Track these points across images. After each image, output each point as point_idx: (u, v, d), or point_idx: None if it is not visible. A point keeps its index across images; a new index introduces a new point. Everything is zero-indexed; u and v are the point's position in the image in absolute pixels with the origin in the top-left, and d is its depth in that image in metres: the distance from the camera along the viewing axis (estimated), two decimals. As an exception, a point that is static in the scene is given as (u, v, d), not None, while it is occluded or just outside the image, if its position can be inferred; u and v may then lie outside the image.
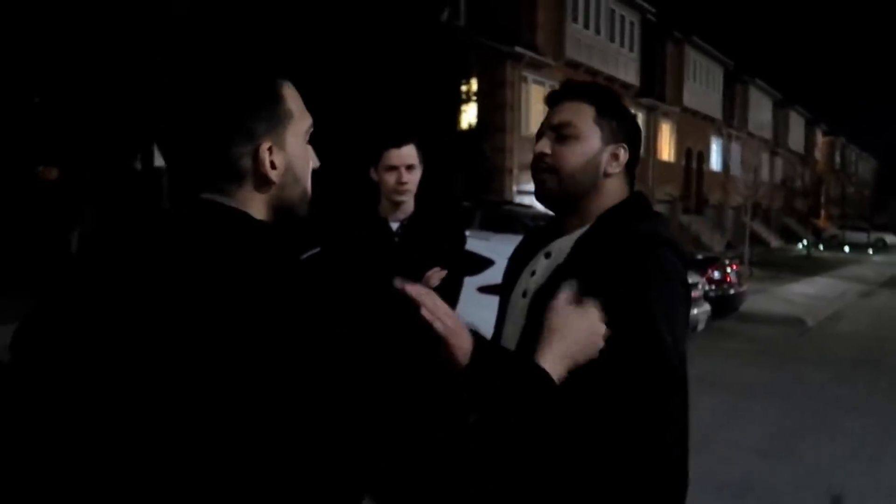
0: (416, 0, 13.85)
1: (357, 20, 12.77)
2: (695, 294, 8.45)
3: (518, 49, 16.99)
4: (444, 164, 13.76)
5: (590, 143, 1.44)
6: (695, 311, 8.27)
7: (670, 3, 24.02)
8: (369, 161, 2.38)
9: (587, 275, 1.32)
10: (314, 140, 0.96)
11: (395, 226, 2.41)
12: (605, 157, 1.45)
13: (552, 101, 1.51)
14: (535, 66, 18.01)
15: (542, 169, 1.47)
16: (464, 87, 15.05)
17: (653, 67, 24.07)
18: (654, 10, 22.91)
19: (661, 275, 1.31)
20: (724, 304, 10.11)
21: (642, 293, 1.26)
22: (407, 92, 12.88)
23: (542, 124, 1.50)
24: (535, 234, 1.62)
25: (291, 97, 0.91)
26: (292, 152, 0.90)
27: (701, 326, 8.39)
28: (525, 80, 18.01)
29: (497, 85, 17.19)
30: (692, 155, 28.30)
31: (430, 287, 2.22)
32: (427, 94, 13.35)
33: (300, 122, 0.91)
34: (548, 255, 1.49)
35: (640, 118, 23.81)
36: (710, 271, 10.06)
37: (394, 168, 2.34)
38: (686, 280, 1.39)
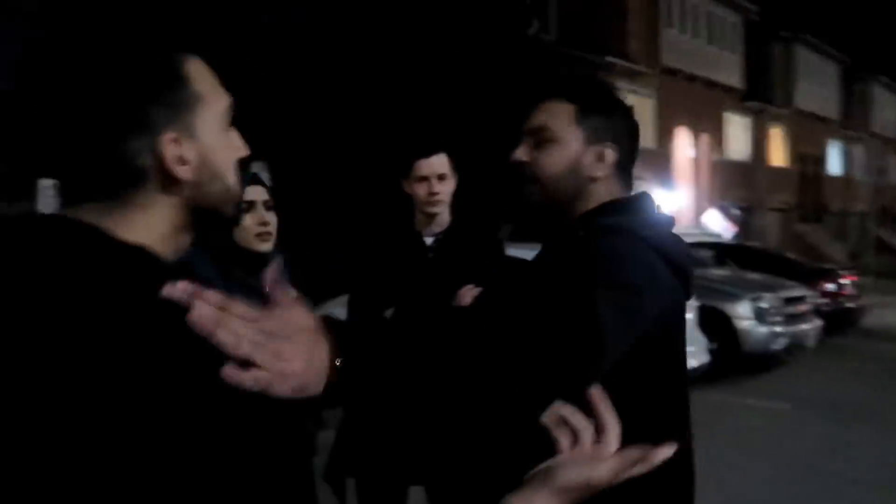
0: (503, 15, 13.85)
1: (443, 37, 12.91)
2: (802, 308, 7.78)
3: (609, 59, 16.57)
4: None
5: (569, 146, 1.31)
6: (803, 326, 7.62)
7: (775, 1, 22.67)
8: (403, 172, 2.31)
9: (540, 278, 1.28)
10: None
11: (429, 240, 2.32)
12: (589, 159, 1.31)
13: (530, 102, 1.38)
14: (629, 76, 17.48)
15: (522, 179, 1.34)
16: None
17: (758, 69, 22.78)
18: (757, 10, 21.73)
19: (610, 257, 1.17)
20: (839, 319, 9.26)
21: (587, 276, 1.12)
22: (493, 107, 12.84)
23: (522, 129, 1.36)
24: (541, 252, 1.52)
25: (200, 75, 0.74)
26: (207, 142, 0.74)
27: (811, 343, 7.70)
28: (618, 90, 17.51)
29: (588, 97, 16.81)
30: (807, 159, 26.47)
31: (463, 304, 2.09)
32: (514, 109, 13.25)
33: (213, 105, 0.75)
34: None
35: (747, 123, 22.58)
36: (821, 283, 9.25)
37: (424, 178, 2.26)
38: (645, 263, 1.19)
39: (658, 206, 1.42)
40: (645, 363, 1.21)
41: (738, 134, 22.27)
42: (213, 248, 1.78)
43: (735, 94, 21.37)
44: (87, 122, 0.69)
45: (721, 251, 10.66)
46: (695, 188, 20.04)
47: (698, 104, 19.65)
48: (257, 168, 8.96)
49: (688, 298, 1.35)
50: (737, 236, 17.20)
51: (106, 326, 0.63)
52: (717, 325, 7.05)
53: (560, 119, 1.32)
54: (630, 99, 18.11)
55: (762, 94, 22.92)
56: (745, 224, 21.56)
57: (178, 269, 0.70)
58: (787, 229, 24.27)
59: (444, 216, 2.33)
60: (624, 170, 1.35)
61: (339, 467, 2.27)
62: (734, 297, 7.17)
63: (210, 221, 0.77)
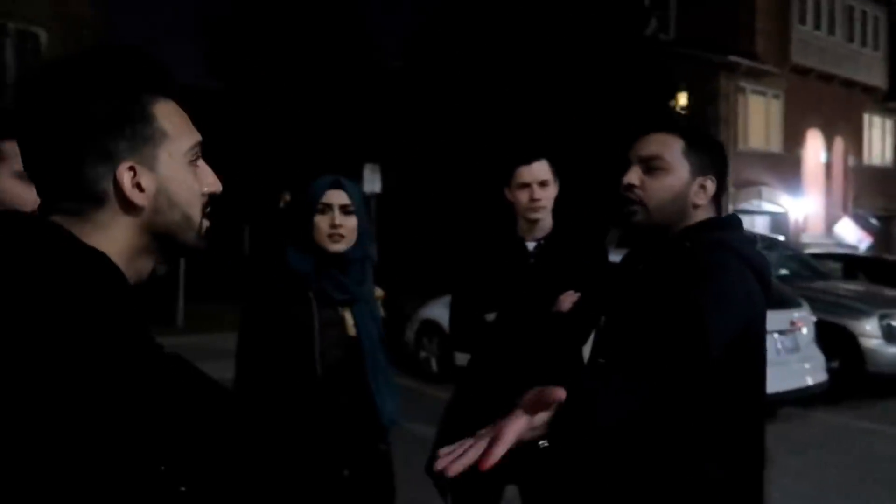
0: (619, 15, 13.59)
1: (557, 39, 12.86)
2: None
3: (732, 58, 15.82)
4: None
5: (678, 175, 1.49)
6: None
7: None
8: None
9: (648, 284, 1.44)
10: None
11: (531, 246, 2.35)
12: (694, 188, 1.50)
13: (639, 133, 1.57)
14: (755, 76, 16.62)
15: (630, 200, 1.51)
16: (671, 103, 14.37)
17: (905, 67, 20.92)
18: (905, 2, 19.98)
19: (715, 269, 1.37)
20: None
21: (693, 287, 1.33)
22: (608, 110, 12.62)
23: (630, 155, 1.55)
24: (631, 257, 1.69)
25: (166, 115, 0.83)
26: (165, 174, 0.83)
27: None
28: (743, 90, 16.70)
29: (710, 98, 16.14)
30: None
31: (562, 310, 2.16)
32: (629, 112, 12.96)
33: (177, 142, 0.84)
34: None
35: (889, 126, 20.82)
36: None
37: (526, 185, 2.29)
38: (744, 276, 1.40)
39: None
40: (733, 363, 1.39)
41: (878, 137, 20.58)
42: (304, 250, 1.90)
43: (877, 95, 19.76)
44: (60, 145, 0.78)
45: (852, 263, 9.96)
46: (827, 195, 18.74)
47: (833, 105, 18.35)
48: (371, 170, 9.38)
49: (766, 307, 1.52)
50: (872, 247, 15.94)
51: (68, 321, 0.69)
52: (839, 343, 6.62)
53: (672, 150, 1.50)
54: (755, 100, 17.27)
55: (909, 93, 21.05)
56: (884, 235, 19.90)
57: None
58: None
59: (546, 222, 2.36)
60: (717, 197, 1.55)
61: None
62: (861, 314, 6.69)
63: (169, 247, 0.85)
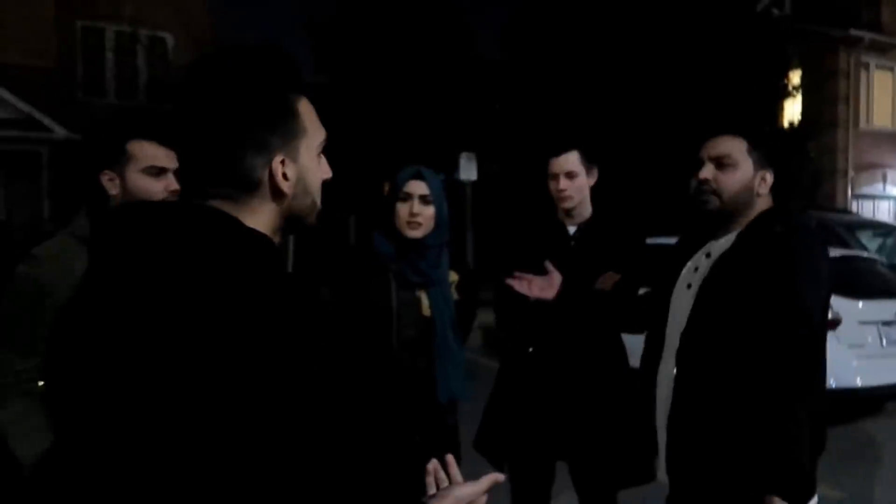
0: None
1: (660, 22, 12.49)
2: None
3: (854, 32, 14.76)
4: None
5: (744, 170, 1.80)
6: None
7: None
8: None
9: (744, 263, 1.71)
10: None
11: (572, 230, 2.44)
12: (757, 180, 1.80)
13: (708, 135, 1.87)
14: (880, 50, 15.43)
15: (706, 191, 1.82)
16: (783, 83, 13.63)
17: None
18: None
19: (805, 252, 1.69)
20: None
21: (789, 267, 1.66)
22: (717, 89, 12.15)
23: (700, 155, 1.84)
24: (689, 238, 1.96)
25: (306, 113, 0.94)
26: (304, 165, 0.93)
27: None
28: (866, 66, 15.56)
29: (828, 75, 15.15)
30: None
31: (602, 289, 2.26)
32: (739, 90, 12.42)
33: (313, 137, 0.95)
34: (708, 255, 1.85)
35: None
36: None
37: (555, 176, 2.39)
38: (826, 257, 1.75)
39: None
40: (819, 329, 1.74)
41: None
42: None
43: None
44: (225, 139, 0.88)
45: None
46: (964, 177, 17.14)
47: (973, 78, 16.71)
48: (467, 158, 9.64)
49: None
50: None
51: (252, 298, 0.78)
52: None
53: (738, 149, 1.80)
54: (881, 76, 16.04)
55: None
56: None
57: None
58: None
59: (582, 209, 2.42)
60: (777, 188, 1.83)
61: (489, 439, 2.46)
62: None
63: (296, 227, 0.97)
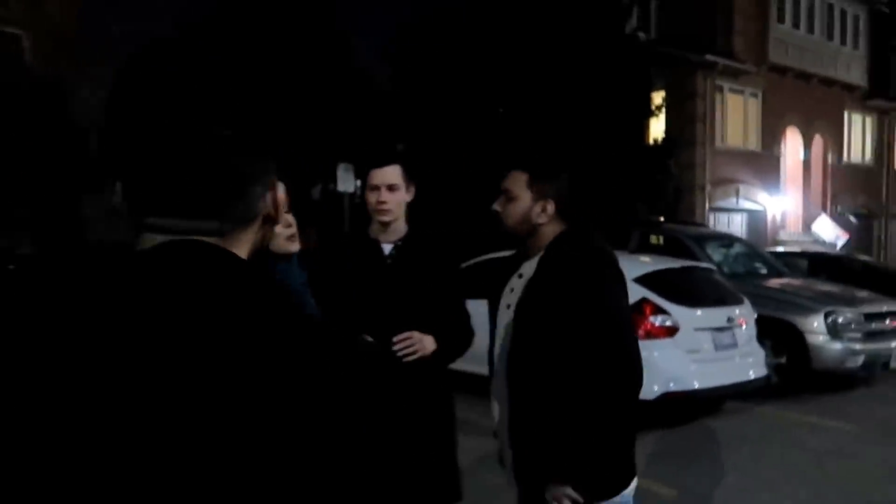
0: (599, 14, 13.64)
1: (534, 35, 12.91)
2: (890, 325, 7.30)
3: (709, 57, 15.94)
4: (625, 182, 13.26)
5: (523, 202, 1.98)
6: (891, 344, 7.15)
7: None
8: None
9: (548, 284, 1.88)
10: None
11: (387, 248, 2.40)
12: (536, 210, 1.98)
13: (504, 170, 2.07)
14: (732, 74, 16.75)
15: (499, 219, 2.05)
16: (648, 101, 14.47)
17: (886, 65, 21.06)
18: (885, 0, 20.10)
19: (597, 269, 1.89)
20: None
21: (588, 284, 1.85)
22: (584, 107, 12.70)
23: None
24: (512, 259, 2.13)
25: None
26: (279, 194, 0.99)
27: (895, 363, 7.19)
28: (721, 89, 16.82)
29: (687, 97, 16.27)
30: (943, 163, 24.16)
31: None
32: (605, 108, 13.04)
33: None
34: (520, 276, 2.01)
35: (869, 123, 20.97)
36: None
37: (375, 188, 2.36)
38: (617, 269, 1.92)
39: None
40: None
41: (859, 135, 20.73)
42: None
43: (857, 93, 19.91)
44: (238, 177, 0.91)
45: (817, 263, 10.10)
46: (805, 193, 18.88)
47: (812, 104, 18.49)
48: (345, 169, 9.46)
49: None
50: (848, 245, 16.10)
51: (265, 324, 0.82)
52: (788, 340, 6.77)
53: (520, 184, 1.99)
54: (733, 99, 17.38)
55: (889, 91, 21.19)
56: (864, 232, 20.07)
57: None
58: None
59: (398, 224, 2.41)
60: (565, 213, 1.99)
61: None
62: (808, 311, 6.83)
63: (260, 257, 0.97)
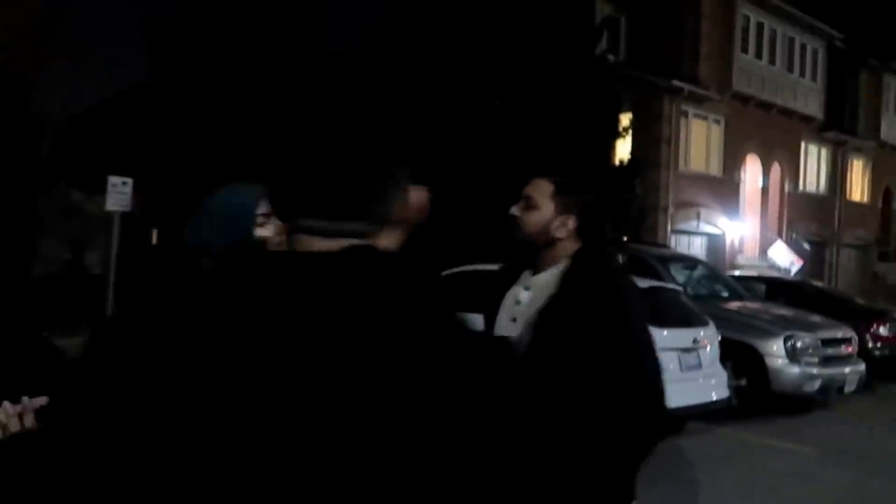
0: (568, 36, 13.85)
1: (505, 57, 13.03)
2: (846, 350, 7.50)
3: (675, 83, 16.30)
4: (594, 201, 13.41)
5: (544, 212, 1.91)
6: (844, 369, 7.34)
7: (862, 28, 21.70)
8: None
9: (576, 304, 1.81)
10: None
11: None
12: (556, 224, 1.90)
13: (528, 176, 2.02)
14: (697, 100, 17.15)
15: (512, 224, 1.96)
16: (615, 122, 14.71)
17: (841, 98, 21.87)
18: (842, 37, 20.89)
19: (630, 292, 1.88)
20: (892, 365, 8.82)
21: (622, 308, 1.82)
22: (553, 127, 12.85)
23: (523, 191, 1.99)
24: (506, 271, 2.07)
25: None
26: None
27: (850, 388, 7.38)
28: (685, 114, 17.21)
29: (653, 119, 16.59)
30: (892, 195, 25.14)
31: None
32: (573, 129, 13.21)
33: None
34: (527, 288, 1.94)
35: (826, 154, 21.69)
36: (874, 326, 8.85)
37: None
38: (639, 292, 1.95)
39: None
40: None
41: (814, 165, 21.42)
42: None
43: (814, 124, 20.58)
44: (376, 177, 0.93)
45: (774, 287, 10.35)
46: (763, 219, 19.39)
47: (772, 133, 19.05)
48: (119, 183, 9.07)
49: None
50: (802, 271, 16.55)
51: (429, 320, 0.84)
52: (748, 362, 6.89)
53: (544, 193, 1.92)
54: (697, 124, 17.79)
55: (844, 124, 21.98)
56: (816, 258, 20.68)
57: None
58: (864, 267, 23.10)
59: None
60: (584, 230, 1.93)
61: None
62: (767, 334, 6.98)
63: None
